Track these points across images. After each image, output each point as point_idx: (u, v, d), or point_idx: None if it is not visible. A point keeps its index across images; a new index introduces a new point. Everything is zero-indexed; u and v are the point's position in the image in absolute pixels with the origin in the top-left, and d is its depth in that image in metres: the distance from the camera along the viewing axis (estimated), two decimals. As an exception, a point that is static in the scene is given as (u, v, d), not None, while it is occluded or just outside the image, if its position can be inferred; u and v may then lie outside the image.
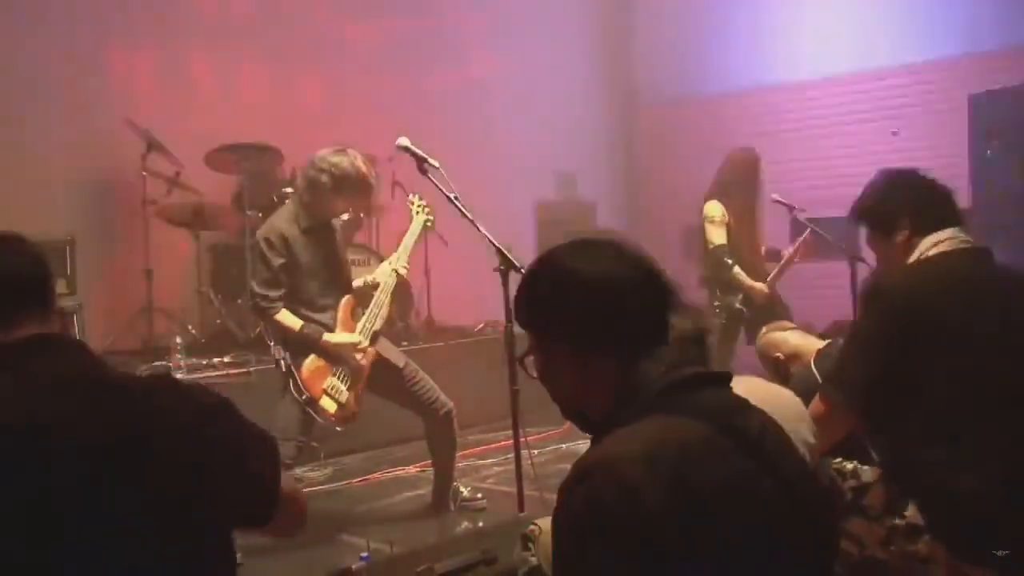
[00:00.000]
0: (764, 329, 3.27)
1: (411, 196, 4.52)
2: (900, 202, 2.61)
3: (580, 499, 1.33)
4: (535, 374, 1.61)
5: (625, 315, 1.51)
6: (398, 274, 4.31)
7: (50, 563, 1.39)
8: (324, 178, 4.07)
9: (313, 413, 4.04)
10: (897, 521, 2.34)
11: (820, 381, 2.64)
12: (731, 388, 1.57)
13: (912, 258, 2.54)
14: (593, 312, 1.51)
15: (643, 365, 1.49)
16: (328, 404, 4.07)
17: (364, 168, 4.15)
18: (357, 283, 4.39)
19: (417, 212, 4.40)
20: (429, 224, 4.46)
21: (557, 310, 1.55)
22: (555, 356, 1.56)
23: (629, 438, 1.38)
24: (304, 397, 4.02)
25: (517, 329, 3.71)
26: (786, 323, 3.34)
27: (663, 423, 1.40)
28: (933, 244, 2.50)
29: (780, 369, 3.02)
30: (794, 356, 3.03)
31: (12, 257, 1.59)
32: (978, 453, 2.24)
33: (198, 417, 1.54)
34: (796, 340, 3.09)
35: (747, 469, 1.39)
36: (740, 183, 5.57)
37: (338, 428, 4.21)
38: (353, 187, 4.13)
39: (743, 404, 1.54)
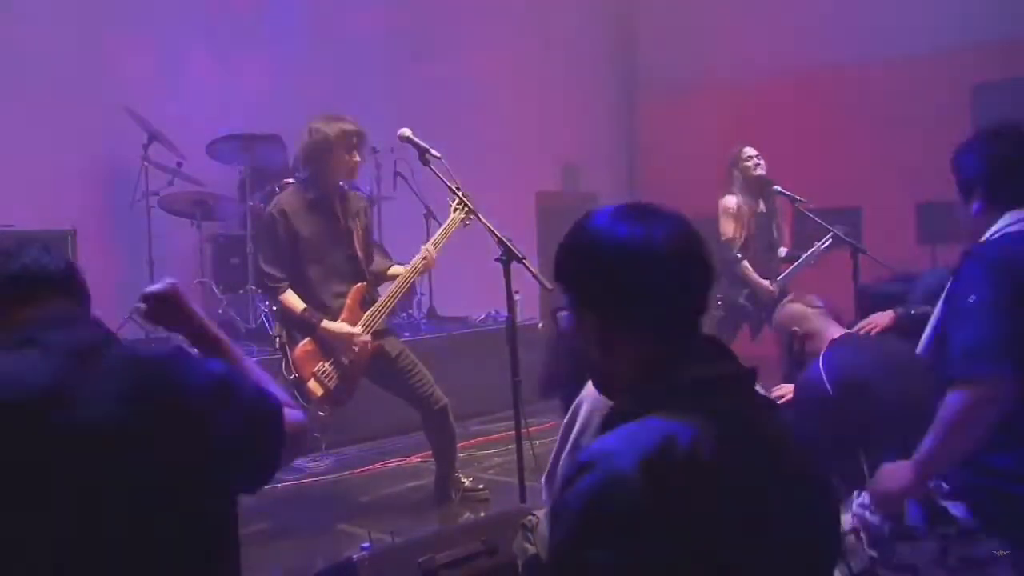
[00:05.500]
0: (788, 297, 3.09)
1: (452, 195, 4.24)
2: (978, 166, 2.32)
3: (577, 490, 1.29)
4: (564, 329, 1.50)
5: (661, 295, 1.39)
6: (424, 259, 4.20)
7: (58, 534, 1.42)
8: (308, 138, 4.14)
9: (298, 394, 4.04)
10: (948, 530, 2.18)
11: (828, 385, 2.52)
12: (756, 387, 1.47)
13: (986, 236, 2.26)
14: (626, 287, 1.40)
15: (670, 352, 1.39)
16: (315, 387, 4.08)
17: (344, 122, 4.15)
18: (396, 270, 4.36)
19: (455, 210, 4.20)
20: (467, 223, 4.22)
21: (589, 277, 1.44)
22: (583, 322, 1.46)
23: (637, 432, 1.31)
24: (292, 377, 4.05)
25: (518, 320, 3.73)
26: (814, 298, 3.05)
27: (677, 419, 1.32)
28: (1015, 221, 2.22)
29: (794, 344, 2.86)
30: (812, 335, 2.87)
31: (37, 252, 1.68)
32: None
33: (206, 391, 1.59)
34: (819, 321, 2.91)
35: (759, 473, 1.33)
36: (761, 182, 5.49)
37: (320, 413, 4.20)
38: (339, 139, 4.10)
39: (767, 405, 1.46)
